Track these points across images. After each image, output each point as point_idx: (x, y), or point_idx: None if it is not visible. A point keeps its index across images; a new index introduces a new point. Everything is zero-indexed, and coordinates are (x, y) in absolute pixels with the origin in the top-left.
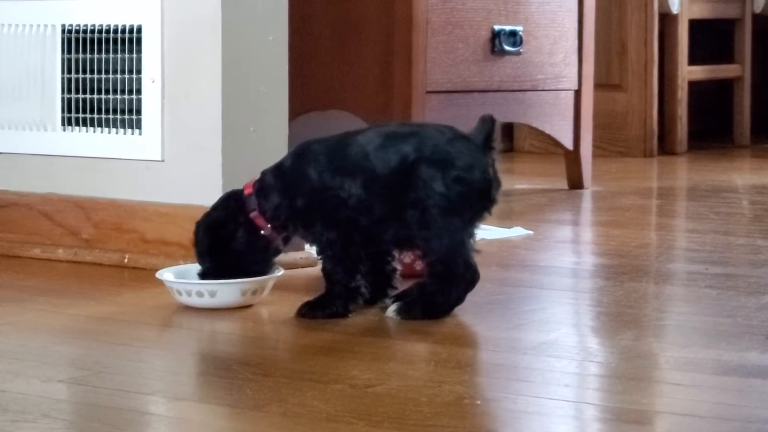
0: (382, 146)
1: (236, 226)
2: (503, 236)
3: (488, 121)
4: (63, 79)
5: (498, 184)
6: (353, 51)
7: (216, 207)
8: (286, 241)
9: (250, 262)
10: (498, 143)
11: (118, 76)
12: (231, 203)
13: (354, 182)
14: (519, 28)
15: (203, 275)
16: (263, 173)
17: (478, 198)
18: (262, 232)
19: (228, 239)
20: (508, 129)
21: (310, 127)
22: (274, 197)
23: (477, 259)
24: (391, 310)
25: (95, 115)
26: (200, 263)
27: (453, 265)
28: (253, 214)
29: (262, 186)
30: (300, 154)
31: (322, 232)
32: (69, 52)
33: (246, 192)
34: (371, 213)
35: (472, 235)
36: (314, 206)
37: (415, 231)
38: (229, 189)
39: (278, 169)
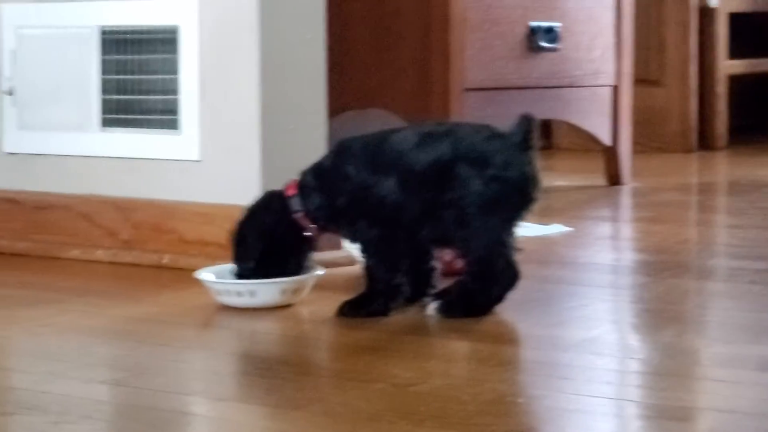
0: (418, 145)
1: (284, 229)
2: (542, 233)
3: (527, 120)
4: (101, 80)
5: (537, 182)
6: (391, 49)
7: (259, 208)
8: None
9: (294, 263)
10: (537, 141)
11: (156, 76)
12: (274, 204)
13: (390, 181)
14: (556, 25)
15: (241, 276)
16: (303, 173)
17: (516, 196)
18: (306, 233)
19: (277, 242)
20: (546, 126)
21: (348, 125)
22: (316, 197)
23: (517, 257)
24: (432, 308)
25: (133, 116)
26: (242, 264)
27: (492, 265)
28: (298, 215)
29: (303, 186)
30: (338, 152)
31: (365, 230)
32: (107, 53)
33: (288, 193)
34: (408, 212)
35: (511, 234)
36: (356, 204)
37: (453, 231)
38: (267, 188)
39: (318, 169)
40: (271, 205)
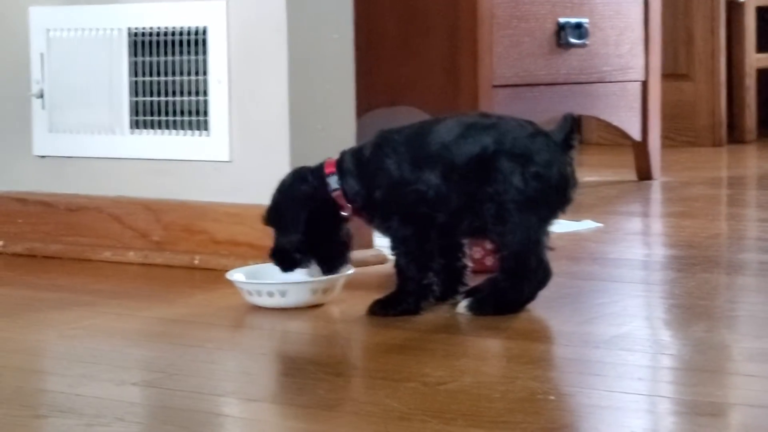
0: (462, 136)
1: (322, 203)
2: (573, 229)
3: (569, 119)
4: (130, 82)
5: (575, 183)
6: (419, 47)
7: (296, 180)
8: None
9: (330, 241)
10: (578, 142)
11: (185, 77)
12: (311, 179)
13: (432, 173)
14: (584, 20)
15: (283, 254)
16: (343, 154)
17: (555, 196)
18: (344, 213)
19: (316, 214)
20: (576, 121)
21: (378, 123)
22: (353, 182)
23: (549, 255)
24: (463, 306)
25: (163, 118)
26: (289, 237)
27: (526, 262)
28: (336, 194)
29: (342, 167)
30: (380, 144)
31: (398, 227)
32: (136, 55)
33: (327, 171)
34: (448, 205)
35: (546, 232)
36: (392, 200)
37: (491, 225)
38: None
39: (358, 155)
40: (307, 178)
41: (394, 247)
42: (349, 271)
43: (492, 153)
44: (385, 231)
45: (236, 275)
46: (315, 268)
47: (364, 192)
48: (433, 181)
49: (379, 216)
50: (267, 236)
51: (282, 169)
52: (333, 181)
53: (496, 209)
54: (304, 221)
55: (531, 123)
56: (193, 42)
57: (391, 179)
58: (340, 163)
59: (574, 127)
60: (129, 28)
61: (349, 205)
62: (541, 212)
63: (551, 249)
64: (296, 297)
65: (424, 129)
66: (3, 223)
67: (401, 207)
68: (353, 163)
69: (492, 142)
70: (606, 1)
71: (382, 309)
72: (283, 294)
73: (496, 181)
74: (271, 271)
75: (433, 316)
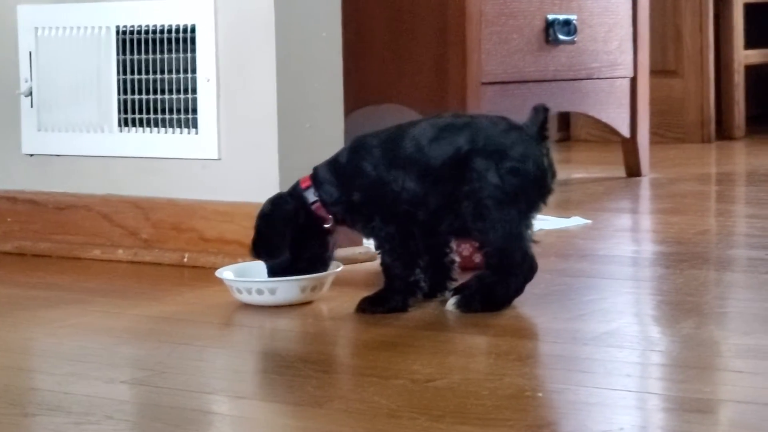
0: (436, 138)
1: (305, 218)
2: (562, 226)
3: (541, 111)
4: (119, 80)
5: (553, 173)
6: (407, 44)
7: (275, 204)
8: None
9: (316, 255)
10: (552, 133)
11: (173, 75)
12: (290, 198)
13: (408, 175)
14: (573, 17)
15: (275, 273)
16: (316, 168)
17: (533, 188)
18: (325, 225)
19: (300, 231)
20: (565, 118)
21: (366, 121)
22: (333, 191)
23: (536, 250)
24: (451, 303)
25: (151, 116)
26: (275, 258)
27: (510, 257)
28: (315, 206)
29: (316, 179)
30: (355, 148)
31: (381, 226)
32: (124, 53)
33: (303, 186)
34: (427, 206)
35: (529, 225)
36: (372, 201)
37: (471, 223)
38: (286, 185)
39: (334, 164)
40: (286, 199)
41: (378, 247)
42: (338, 268)
43: (466, 152)
44: (369, 232)
45: (225, 273)
46: None
47: (344, 197)
48: (408, 183)
49: (362, 218)
50: None
51: (270, 167)
52: (310, 194)
53: (474, 207)
54: (290, 240)
55: (504, 118)
56: (182, 40)
57: (368, 180)
58: (314, 176)
59: (546, 118)
60: (117, 26)
61: (330, 216)
62: (521, 206)
63: (535, 242)
64: (285, 294)
65: (398, 133)
66: None
67: (381, 206)
68: (330, 172)
69: (465, 142)
70: None
71: (370, 306)
72: (272, 292)
73: (472, 179)
74: (260, 269)
75: (421, 313)
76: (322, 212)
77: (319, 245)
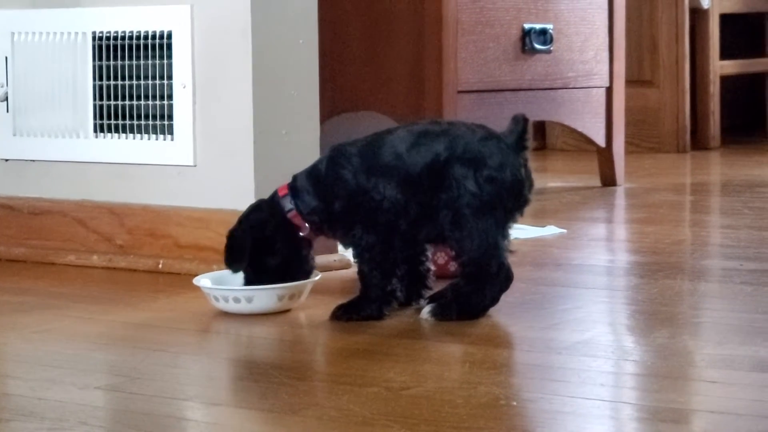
0: (414, 145)
1: (278, 228)
2: (537, 235)
3: (520, 121)
4: (94, 86)
5: (530, 183)
6: (383, 52)
7: (249, 211)
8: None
9: (292, 264)
10: (530, 142)
11: (150, 82)
12: (264, 206)
13: (388, 183)
14: (549, 27)
15: (245, 280)
16: (294, 177)
17: (511, 198)
18: (301, 233)
19: (270, 239)
20: (541, 127)
21: (342, 128)
22: (310, 200)
23: (511, 259)
24: (426, 311)
25: (127, 122)
26: (235, 267)
27: (486, 266)
28: (291, 214)
29: (294, 188)
30: (334, 157)
31: (362, 235)
32: (100, 59)
33: (281, 193)
34: (408, 214)
35: (505, 235)
36: (353, 209)
37: (448, 231)
38: (262, 192)
39: (313, 173)
40: (260, 206)
41: (357, 255)
42: (316, 277)
43: (444, 160)
44: (349, 241)
45: (203, 281)
46: None
47: (324, 206)
48: (388, 191)
49: (341, 227)
50: None
51: (246, 174)
52: (286, 202)
53: (452, 216)
54: (250, 251)
55: (482, 127)
56: (158, 46)
57: (348, 189)
58: (292, 184)
59: (525, 128)
60: (94, 32)
61: (306, 225)
62: (498, 215)
63: (511, 252)
64: (262, 303)
65: (376, 140)
66: None
67: (362, 215)
68: (308, 181)
69: (443, 149)
70: (571, 7)
71: (345, 314)
72: (249, 300)
73: (450, 187)
74: (238, 277)
75: (396, 321)
76: (298, 220)
77: (295, 253)
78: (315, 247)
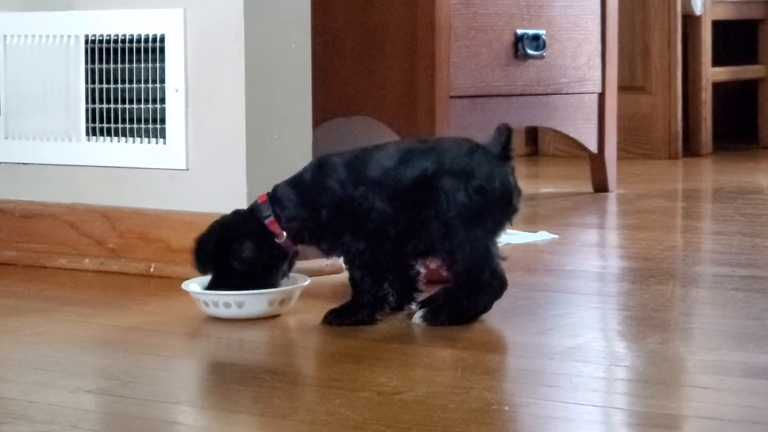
0: (401, 161)
1: (249, 231)
2: (529, 241)
3: (504, 131)
4: (87, 89)
5: (518, 192)
6: (376, 57)
7: (225, 215)
8: (296, 254)
9: (262, 270)
10: (519, 148)
11: (142, 85)
12: (240, 212)
13: (377, 196)
14: (542, 32)
15: (210, 285)
16: (276, 186)
17: (499, 207)
18: (277, 240)
19: (240, 244)
20: (533, 133)
21: (334, 133)
22: (292, 208)
23: (504, 265)
24: (418, 316)
25: (119, 125)
26: (199, 269)
27: (479, 276)
28: (268, 221)
29: (274, 196)
30: (320, 165)
31: (351, 242)
32: (93, 62)
33: (260, 200)
34: (395, 227)
35: (495, 244)
36: (340, 217)
37: (438, 243)
38: (254, 196)
39: (296, 181)
40: (237, 212)
41: (348, 262)
42: (306, 282)
43: (432, 174)
44: (339, 248)
45: (192, 285)
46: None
47: (309, 215)
48: (379, 204)
49: (329, 236)
50: None
51: (238, 178)
52: (264, 208)
53: (442, 228)
54: (219, 254)
55: (467, 139)
56: (151, 50)
57: (335, 197)
58: (272, 193)
59: (510, 137)
60: (86, 35)
61: (283, 232)
62: (487, 225)
63: (503, 259)
64: (253, 308)
65: (364, 155)
66: None
67: (350, 223)
68: (291, 190)
69: (431, 164)
70: (564, 13)
71: (336, 318)
72: (239, 305)
73: (439, 200)
74: None
75: (388, 325)
76: (275, 227)
77: (265, 261)
78: (299, 256)
